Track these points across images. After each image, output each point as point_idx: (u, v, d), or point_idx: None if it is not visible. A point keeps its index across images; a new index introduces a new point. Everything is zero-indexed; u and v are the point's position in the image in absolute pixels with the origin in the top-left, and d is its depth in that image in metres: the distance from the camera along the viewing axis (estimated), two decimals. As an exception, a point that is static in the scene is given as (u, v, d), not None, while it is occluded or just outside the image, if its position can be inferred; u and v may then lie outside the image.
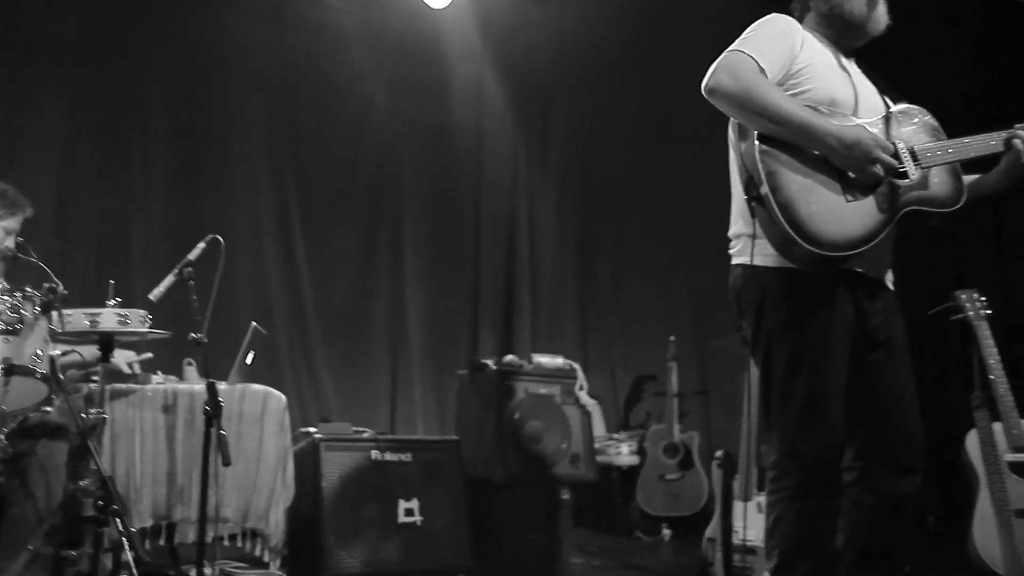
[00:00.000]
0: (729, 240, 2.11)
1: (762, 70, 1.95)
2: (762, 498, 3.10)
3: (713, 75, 1.97)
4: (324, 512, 3.04)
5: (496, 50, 5.30)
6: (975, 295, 3.11)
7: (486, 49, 5.32)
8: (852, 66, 2.13)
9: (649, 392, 5.02)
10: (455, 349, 5.09)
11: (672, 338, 4.66)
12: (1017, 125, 2.00)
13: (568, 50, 5.30)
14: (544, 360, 3.83)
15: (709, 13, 4.56)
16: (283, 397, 3.10)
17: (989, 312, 3.07)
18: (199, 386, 2.81)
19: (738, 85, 1.93)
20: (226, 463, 2.36)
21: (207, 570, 2.55)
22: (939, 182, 1.99)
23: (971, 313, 3.08)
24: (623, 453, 4.67)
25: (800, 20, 2.14)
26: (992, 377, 2.96)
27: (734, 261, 2.08)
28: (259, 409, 3.00)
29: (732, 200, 2.10)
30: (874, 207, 1.93)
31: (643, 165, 5.08)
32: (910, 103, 2.13)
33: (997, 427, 2.95)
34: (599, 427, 4.87)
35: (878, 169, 1.90)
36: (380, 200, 5.12)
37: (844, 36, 2.11)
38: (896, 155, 1.94)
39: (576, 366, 4.06)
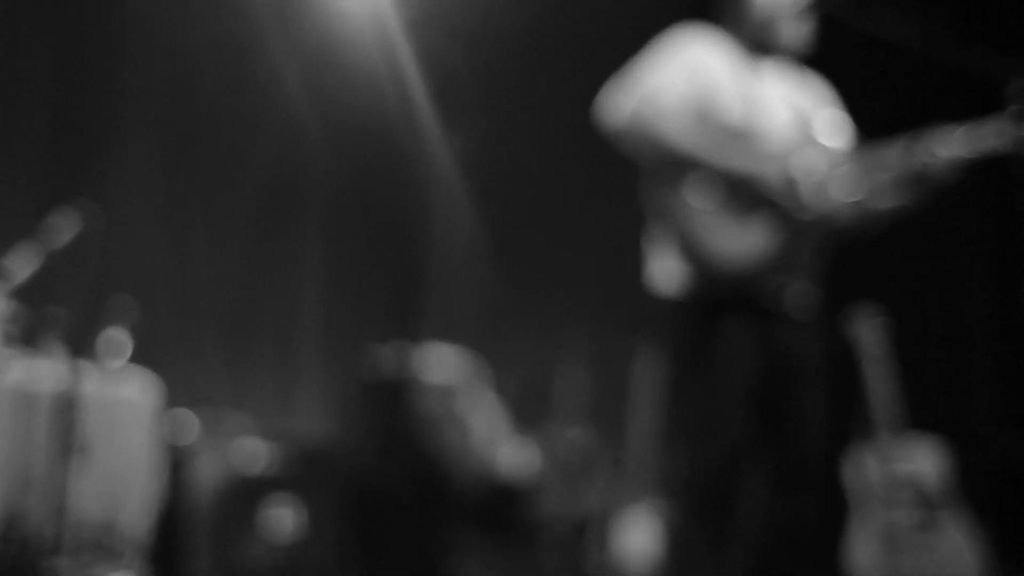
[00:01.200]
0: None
1: (664, 110, 1.96)
2: (647, 507, 3.11)
3: (613, 113, 1.99)
4: (193, 513, 2.87)
5: (419, 42, 5.17)
6: (870, 312, 3.19)
7: (407, 40, 5.18)
8: (766, 77, 2.11)
9: (545, 395, 4.98)
10: (354, 340, 4.93)
11: (573, 336, 4.64)
12: (922, 141, 2.00)
13: (472, 39, 5.21)
14: (442, 357, 3.74)
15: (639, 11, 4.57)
16: (159, 383, 2.90)
17: (874, 325, 3.13)
18: (61, 366, 2.59)
19: (637, 124, 1.95)
20: (83, 452, 2.18)
21: (62, 563, 2.36)
22: (841, 207, 2.00)
23: (855, 326, 3.15)
24: (521, 453, 4.61)
25: (721, 23, 2.13)
26: (872, 395, 3.04)
27: (647, 281, 2.09)
28: (132, 394, 2.79)
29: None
30: (774, 235, 1.94)
31: (563, 161, 5.05)
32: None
33: (879, 447, 3.03)
34: (498, 425, 4.79)
35: (778, 199, 1.93)
36: (284, 180, 4.92)
37: (760, 48, 2.10)
38: (797, 179, 1.95)
39: (476, 364, 3.97)
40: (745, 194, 1.92)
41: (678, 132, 1.94)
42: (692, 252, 1.91)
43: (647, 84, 2.00)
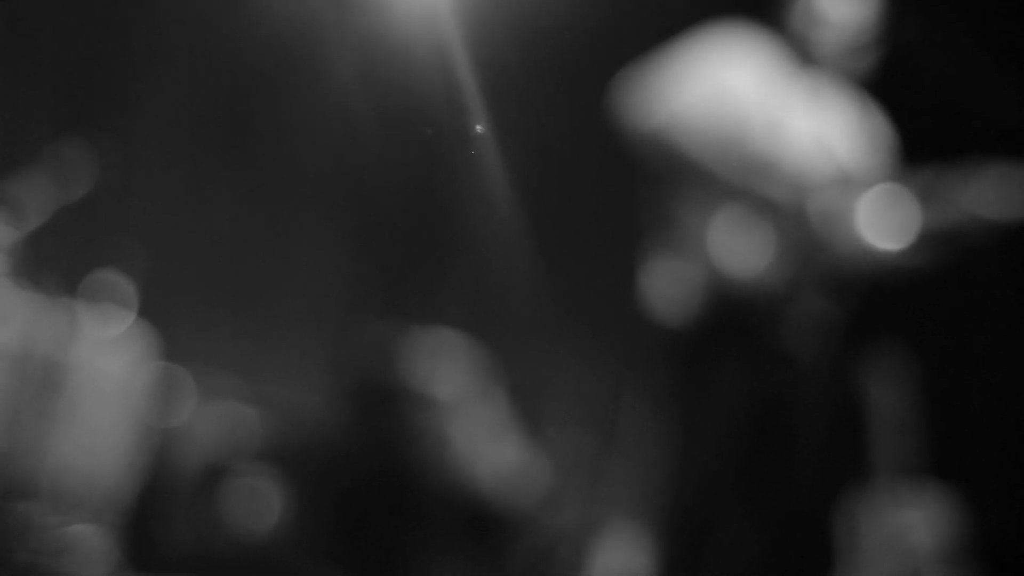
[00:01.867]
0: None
1: (673, 111, 1.92)
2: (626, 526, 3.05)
3: (630, 120, 1.95)
4: (176, 477, 2.81)
5: (445, 28, 5.12)
6: (868, 353, 3.11)
7: (434, 24, 5.12)
8: (803, 89, 2.03)
9: (549, 394, 4.94)
10: (357, 315, 4.88)
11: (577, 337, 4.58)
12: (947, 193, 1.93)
13: (520, 33, 5.15)
14: (439, 364, 3.65)
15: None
16: (154, 333, 2.83)
17: (885, 371, 3.06)
18: (56, 312, 2.49)
19: (654, 141, 1.91)
20: (72, 403, 2.10)
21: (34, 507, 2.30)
22: (849, 254, 1.94)
23: (866, 373, 3.08)
24: (511, 456, 4.55)
25: (766, 32, 2.05)
26: (878, 437, 2.97)
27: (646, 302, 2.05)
28: (123, 346, 2.73)
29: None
30: (787, 264, 1.89)
31: (595, 170, 5.00)
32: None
33: (880, 488, 2.96)
34: (490, 432, 4.74)
35: (779, 233, 1.87)
36: (305, 151, 4.86)
37: (803, 63, 2.02)
38: (805, 221, 1.89)
39: (470, 370, 3.88)
40: (757, 223, 1.87)
41: (698, 151, 1.89)
42: (694, 275, 1.88)
43: (671, 95, 1.94)
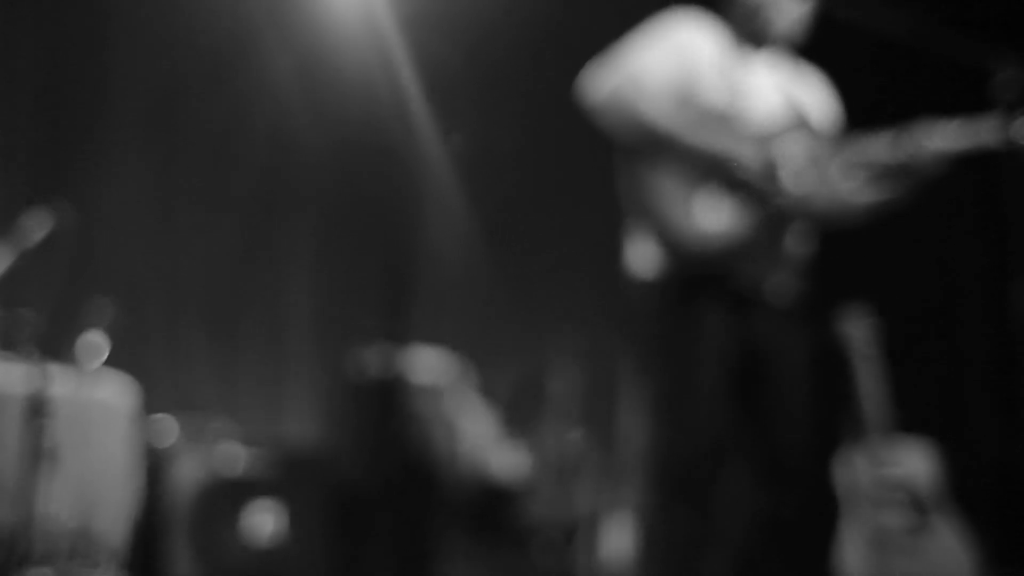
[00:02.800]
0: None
1: (646, 90, 1.96)
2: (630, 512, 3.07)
3: (590, 85, 2.00)
4: (173, 517, 2.82)
5: (409, 37, 5.12)
6: (855, 312, 3.15)
7: (399, 35, 5.14)
8: (758, 65, 2.09)
9: (536, 397, 4.93)
10: (341, 341, 4.88)
11: (562, 337, 4.58)
12: (908, 130, 1.98)
13: (469, 34, 5.16)
14: (430, 358, 3.69)
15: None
16: (136, 386, 2.85)
17: (868, 330, 3.10)
18: (33, 370, 2.53)
19: (615, 100, 1.96)
20: (52, 460, 2.12)
21: (34, 572, 2.31)
22: (824, 192, 1.99)
23: (850, 330, 3.12)
24: (509, 456, 4.57)
25: (719, 11, 2.12)
26: (865, 398, 3.01)
27: (626, 266, 2.06)
28: (108, 398, 2.75)
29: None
30: (747, 217, 1.93)
31: (550, 160, 5.01)
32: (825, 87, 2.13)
33: (870, 449, 2.99)
34: (487, 428, 4.76)
35: (750, 181, 1.91)
36: (272, 177, 4.89)
37: (755, 37, 2.08)
38: (777, 163, 1.91)
39: (465, 365, 3.93)
40: (722, 176, 1.91)
41: (658, 110, 1.93)
42: (666, 233, 1.90)
43: (630, 61, 2.00)
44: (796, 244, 2.01)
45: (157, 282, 4.38)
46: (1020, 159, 1.56)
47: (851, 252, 3.85)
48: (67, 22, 4.22)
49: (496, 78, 5.04)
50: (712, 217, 1.90)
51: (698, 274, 1.90)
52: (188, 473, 2.89)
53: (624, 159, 1.96)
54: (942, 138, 1.92)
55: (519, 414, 5.00)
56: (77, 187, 4.05)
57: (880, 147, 1.95)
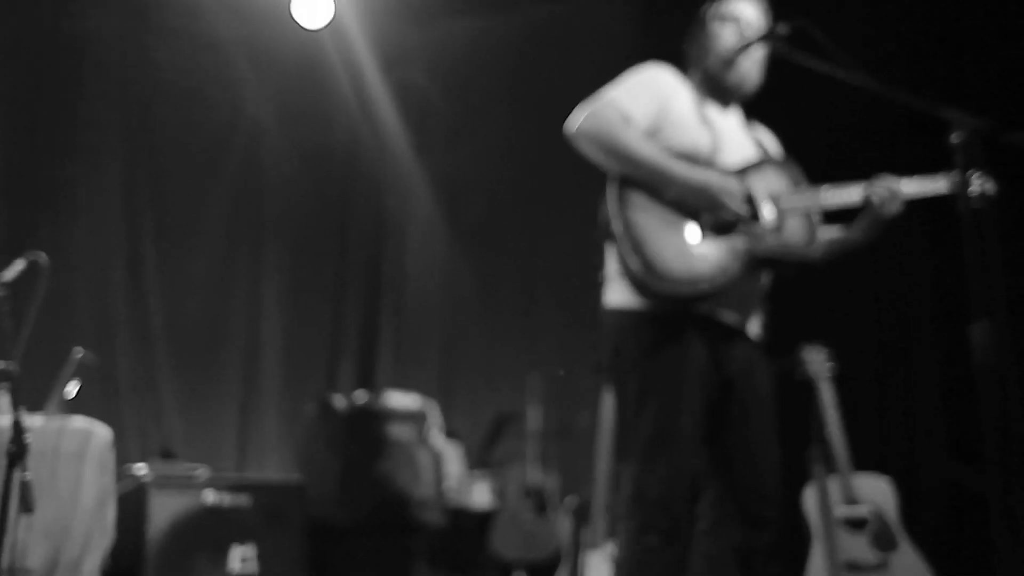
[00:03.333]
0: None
1: (627, 116, 2.01)
2: (611, 546, 3.10)
3: (576, 118, 2.03)
4: (147, 560, 2.81)
5: (375, 74, 5.20)
6: (820, 349, 3.24)
7: (364, 72, 5.22)
8: (727, 117, 2.18)
9: (510, 431, 4.95)
10: (312, 382, 4.89)
11: (535, 376, 4.63)
12: (875, 177, 2.06)
13: (450, 77, 5.25)
14: (398, 399, 3.73)
15: (596, 45, 4.67)
16: (108, 432, 2.86)
17: (833, 368, 3.20)
18: (5, 421, 2.55)
19: (597, 129, 1.99)
20: (27, 510, 2.13)
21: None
22: (794, 229, 2.03)
23: (816, 369, 3.20)
24: (480, 494, 4.58)
25: (687, 70, 2.21)
26: (830, 432, 3.08)
27: (603, 301, 2.09)
28: (79, 446, 2.76)
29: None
30: (726, 250, 1.96)
31: (516, 198, 5.06)
32: (787, 154, 2.21)
33: (833, 482, 3.06)
34: (457, 466, 4.77)
35: (727, 213, 1.94)
36: (240, 220, 4.91)
37: (716, 91, 2.17)
38: (751, 201, 1.98)
39: (431, 405, 3.96)
40: (703, 207, 1.94)
41: (636, 138, 1.98)
42: (650, 267, 1.91)
43: (612, 94, 2.05)
44: (767, 278, 2.08)
45: (129, 327, 4.37)
46: (976, 213, 1.61)
47: (813, 291, 3.98)
48: (39, 64, 4.24)
49: (475, 113, 5.10)
50: (688, 250, 1.93)
51: (680, 308, 1.92)
52: (162, 514, 2.88)
53: (611, 190, 1.97)
54: (901, 186, 2.02)
55: (493, 451, 5.03)
56: (49, 233, 4.06)
57: (842, 194, 2.03)
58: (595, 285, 2.14)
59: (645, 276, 1.91)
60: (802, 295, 3.94)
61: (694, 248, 1.95)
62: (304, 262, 5.05)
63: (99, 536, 2.76)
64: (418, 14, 5.15)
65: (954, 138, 1.52)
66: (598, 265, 2.13)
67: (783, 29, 2.01)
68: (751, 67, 2.15)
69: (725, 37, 2.14)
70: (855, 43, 1.83)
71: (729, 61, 2.13)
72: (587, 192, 2.17)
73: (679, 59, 2.23)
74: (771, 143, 2.27)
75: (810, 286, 3.87)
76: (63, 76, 4.32)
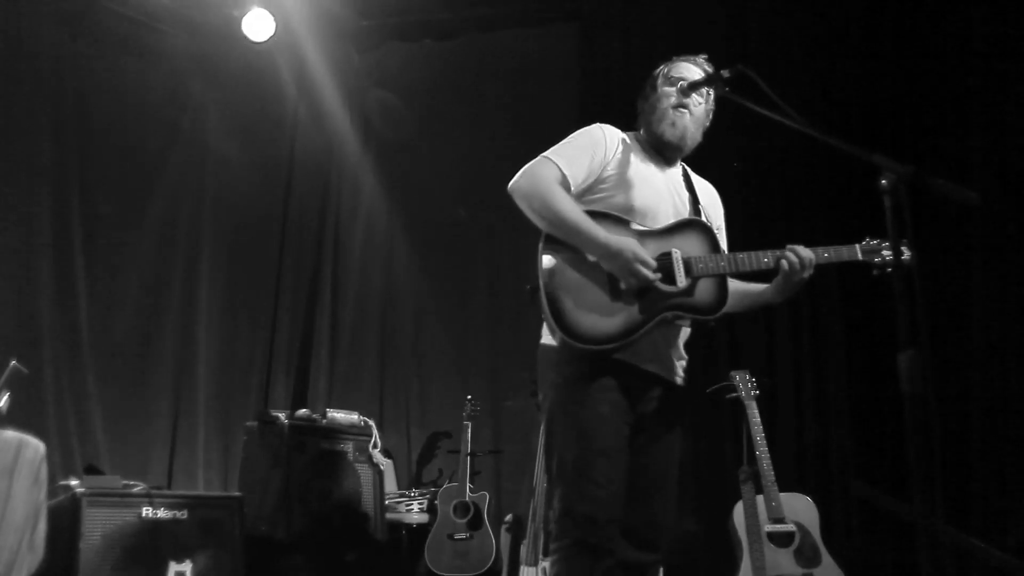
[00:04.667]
0: None
1: (564, 176, 2.15)
2: (547, 563, 3.16)
3: (516, 177, 2.17)
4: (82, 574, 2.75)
5: (315, 91, 5.20)
6: (747, 376, 3.40)
7: (304, 88, 5.21)
8: (668, 175, 2.31)
9: (443, 449, 4.98)
10: (246, 398, 4.83)
11: (468, 397, 4.68)
12: (788, 247, 2.20)
13: (389, 100, 5.29)
14: (338, 416, 3.73)
15: (532, 79, 4.79)
16: (41, 446, 2.79)
17: (758, 392, 3.36)
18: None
19: (532, 188, 2.13)
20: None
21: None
22: (705, 291, 2.17)
23: (743, 392, 3.35)
24: (414, 510, 4.60)
25: (638, 128, 2.35)
26: (758, 453, 3.23)
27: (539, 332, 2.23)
28: (10, 459, 2.68)
29: None
30: (636, 309, 2.10)
31: (451, 222, 5.11)
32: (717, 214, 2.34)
33: (760, 499, 3.21)
34: (391, 483, 4.77)
35: (636, 279, 2.07)
36: (175, 232, 4.83)
37: (661, 148, 2.31)
38: (668, 263, 2.11)
39: (371, 423, 3.98)
40: (615, 271, 2.06)
41: (563, 200, 2.09)
42: (562, 327, 2.04)
43: (550, 152, 2.18)
44: (684, 329, 2.22)
45: (56, 338, 4.24)
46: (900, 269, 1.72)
47: (741, 332, 4.18)
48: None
49: (423, 131, 5.11)
50: (609, 312, 2.05)
51: (581, 352, 2.04)
52: (96, 530, 2.82)
53: (540, 247, 2.09)
54: (811, 255, 2.17)
55: (426, 469, 5.05)
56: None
57: (755, 260, 2.17)
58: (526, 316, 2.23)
59: (564, 335, 2.04)
60: (726, 326, 4.18)
61: (607, 308, 2.07)
62: (240, 277, 4.99)
63: (28, 553, 2.68)
64: (363, 37, 5.19)
65: (882, 184, 1.64)
66: (535, 310, 2.22)
67: (726, 73, 2.13)
68: (691, 125, 2.28)
69: (670, 98, 2.27)
70: (791, 96, 1.96)
71: (677, 119, 2.25)
72: (530, 224, 2.24)
73: (617, 89, 2.34)
74: (711, 199, 2.39)
75: (732, 319, 4.09)
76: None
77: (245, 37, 4.77)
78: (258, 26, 4.76)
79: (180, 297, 4.75)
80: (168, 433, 4.58)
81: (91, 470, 4.16)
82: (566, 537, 2.05)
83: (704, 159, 2.42)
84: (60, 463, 4.06)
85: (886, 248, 2.21)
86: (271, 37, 4.81)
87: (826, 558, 3.14)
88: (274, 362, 5.00)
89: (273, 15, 4.76)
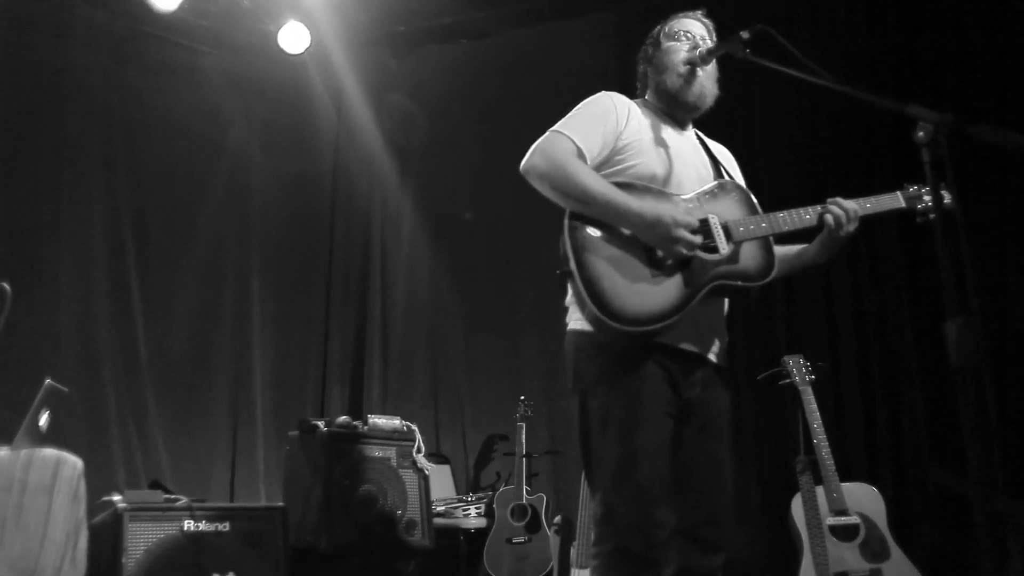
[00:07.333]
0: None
1: (579, 150, 1.98)
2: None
3: (529, 156, 2.00)
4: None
5: (355, 101, 5.21)
6: (802, 360, 3.19)
7: (344, 99, 5.23)
8: (684, 138, 2.15)
9: (500, 452, 4.90)
10: (302, 409, 4.85)
11: (522, 397, 4.59)
12: (828, 200, 2.04)
13: (427, 103, 5.26)
14: (380, 421, 3.68)
15: (570, 72, 4.66)
16: (79, 463, 2.81)
17: (814, 377, 3.16)
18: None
19: (549, 166, 1.96)
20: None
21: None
22: (750, 256, 2.00)
23: (797, 378, 3.15)
24: (471, 515, 4.53)
25: (642, 94, 2.20)
26: (816, 441, 3.03)
27: (566, 322, 2.07)
28: (48, 478, 2.71)
29: None
30: (680, 282, 1.93)
31: (497, 224, 5.03)
32: (745, 175, 2.18)
33: (820, 491, 3.01)
34: (448, 489, 4.72)
35: (680, 247, 1.90)
36: (226, 249, 4.90)
37: (674, 109, 2.16)
38: (706, 230, 1.95)
39: (414, 427, 3.92)
40: (651, 242, 1.90)
41: (586, 174, 1.94)
42: (598, 307, 1.86)
43: (560, 126, 2.03)
44: (728, 304, 2.06)
45: (115, 359, 4.33)
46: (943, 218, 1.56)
47: (793, 309, 3.96)
48: (21, 98, 4.24)
49: (459, 137, 5.07)
50: (649, 289, 1.88)
51: (628, 335, 1.87)
52: (139, 544, 2.84)
53: (565, 227, 1.93)
54: (855, 206, 2.00)
55: (483, 473, 4.98)
56: (32, 267, 4.04)
57: (797, 218, 2.01)
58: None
59: (601, 317, 1.87)
60: (783, 309, 3.96)
61: (648, 284, 1.91)
62: (291, 290, 5.03)
63: (70, 570, 2.71)
64: (398, 43, 5.18)
65: (919, 136, 1.48)
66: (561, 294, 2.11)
67: (745, 34, 1.98)
68: (706, 80, 2.13)
69: (680, 53, 2.12)
70: (813, 52, 1.80)
71: (690, 74, 2.10)
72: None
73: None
74: (729, 162, 2.24)
75: (790, 300, 3.88)
76: (46, 110, 4.33)
77: (281, 51, 4.81)
78: (294, 39, 4.80)
79: (232, 312, 4.81)
80: (228, 447, 4.64)
81: (155, 485, 4.22)
82: (606, 543, 1.90)
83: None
84: (125, 480, 4.15)
85: (927, 192, 2.02)
86: (307, 49, 4.84)
87: (895, 552, 2.92)
88: (328, 372, 5.02)
89: (308, 27, 4.79)
